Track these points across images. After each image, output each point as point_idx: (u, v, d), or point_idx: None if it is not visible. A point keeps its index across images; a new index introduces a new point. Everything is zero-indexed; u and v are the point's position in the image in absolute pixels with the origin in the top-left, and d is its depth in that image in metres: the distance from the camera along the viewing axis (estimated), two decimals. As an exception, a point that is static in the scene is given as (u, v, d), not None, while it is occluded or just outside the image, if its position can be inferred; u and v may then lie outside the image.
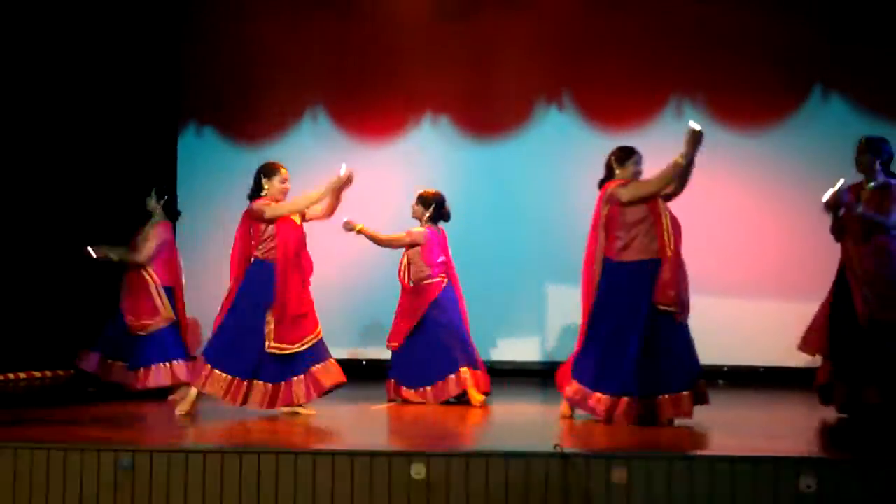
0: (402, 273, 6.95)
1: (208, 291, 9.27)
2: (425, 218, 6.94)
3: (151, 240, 7.16)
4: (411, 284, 6.88)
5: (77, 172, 8.78)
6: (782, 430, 5.45)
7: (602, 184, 5.74)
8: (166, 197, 7.35)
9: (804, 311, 6.34)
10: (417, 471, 4.12)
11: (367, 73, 9.31)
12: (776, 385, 7.96)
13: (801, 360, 6.73)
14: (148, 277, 7.15)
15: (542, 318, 8.98)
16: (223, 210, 9.16)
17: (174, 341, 7.14)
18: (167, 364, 7.04)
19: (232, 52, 9.55)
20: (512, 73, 9.03)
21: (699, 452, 4.45)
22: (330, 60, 9.35)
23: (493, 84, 9.09)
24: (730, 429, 5.30)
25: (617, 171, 5.69)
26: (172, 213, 7.41)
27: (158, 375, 6.99)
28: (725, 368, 8.45)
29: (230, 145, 9.54)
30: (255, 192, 5.98)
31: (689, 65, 8.73)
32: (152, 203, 7.31)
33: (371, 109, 9.29)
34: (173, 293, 7.26)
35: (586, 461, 4.10)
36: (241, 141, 9.49)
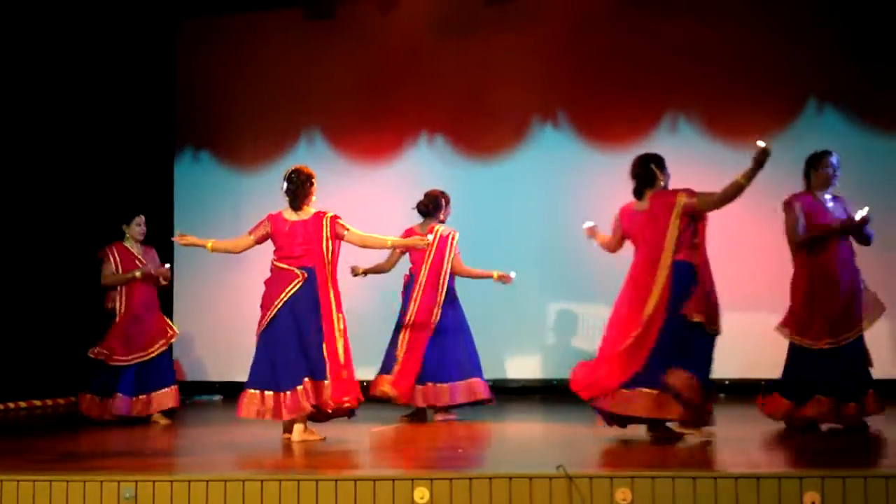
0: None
1: (206, 313, 9.38)
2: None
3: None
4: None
5: (74, 199, 8.79)
6: (786, 446, 5.44)
7: (642, 191, 5.63)
8: None
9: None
10: (421, 494, 4.11)
11: (361, 95, 9.36)
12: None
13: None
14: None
15: (541, 335, 8.97)
16: (220, 233, 9.16)
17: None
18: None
19: (227, 77, 9.61)
20: (506, 92, 9.06)
21: (702, 471, 4.42)
22: (325, 83, 9.39)
23: (488, 103, 9.12)
24: (733, 445, 5.28)
25: (660, 178, 5.60)
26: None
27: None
28: (727, 382, 8.44)
29: (226, 169, 9.59)
30: (305, 197, 5.84)
31: (684, 80, 8.76)
32: (138, 228, 7.28)
33: (366, 130, 9.33)
34: None
35: (590, 481, 4.09)
36: (237, 165, 9.54)
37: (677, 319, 5.33)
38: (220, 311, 9.35)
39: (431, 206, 6.93)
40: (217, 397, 9.18)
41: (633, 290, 5.50)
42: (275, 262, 5.80)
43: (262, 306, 5.76)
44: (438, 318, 6.81)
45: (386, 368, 6.79)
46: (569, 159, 8.98)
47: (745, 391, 8.41)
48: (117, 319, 7.06)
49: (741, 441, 5.39)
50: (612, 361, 5.41)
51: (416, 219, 7.04)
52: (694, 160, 8.68)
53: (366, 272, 6.91)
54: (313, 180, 5.87)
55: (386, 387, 6.68)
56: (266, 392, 5.62)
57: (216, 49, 9.67)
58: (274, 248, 5.85)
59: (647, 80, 8.80)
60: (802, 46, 8.54)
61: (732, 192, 5.40)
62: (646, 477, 4.09)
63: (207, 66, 9.68)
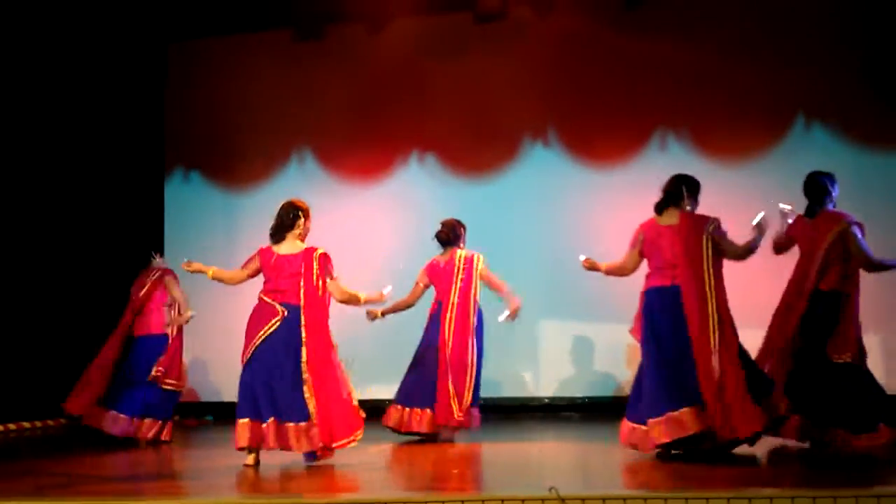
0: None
1: (196, 332, 9.34)
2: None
3: None
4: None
5: (66, 221, 8.78)
6: (777, 464, 5.43)
7: (664, 207, 5.64)
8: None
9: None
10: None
11: (352, 114, 9.37)
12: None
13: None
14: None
15: (535, 353, 8.96)
16: (211, 253, 9.18)
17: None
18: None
19: (218, 97, 9.62)
20: (497, 111, 9.09)
21: (695, 491, 4.41)
22: (316, 103, 9.41)
23: (479, 122, 9.15)
24: (726, 462, 5.27)
25: (686, 201, 5.62)
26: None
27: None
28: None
29: (217, 189, 9.60)
30: (287, 230, 5.75)
31: (673, 99, 8.79)
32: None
33: (357, 150, 9.34)
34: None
35: (582, 503, 4.07)
36: (228, 185, 9.56)
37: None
38: (213, 333, 9.31)
39: (451, 235, 7.01)
40: (208, 418, 9.15)
41: (691, 308, 5.38)
42: (261, 295, 5.73)
43: (245, 336, 5.70)
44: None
45: (423, 402, 6.74)
46: (560, 177, 8.99)
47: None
48: (172, 344, 7.21)
49: (736, 458, 5.39)
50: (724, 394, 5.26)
51: (431, 247, 7.09)
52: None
53: (384, 313, 6.90)
54: (301, 213, 5.77)
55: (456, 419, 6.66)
56: (254, 420, 5.57)
57: (206, 70, 9.69)
58: (263, 280, 5.80)
59: (637, 98, 8.83)
60: (790, 65, 8.56)
61: (749, 251, 5.54)
62: (637, 498, 4.09)
63: (198, 87, 9.69)
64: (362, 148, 9.33)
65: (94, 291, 8.39)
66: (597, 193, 8.77)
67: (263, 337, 5.61)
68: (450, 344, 6.74)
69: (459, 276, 6.88)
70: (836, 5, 8.56)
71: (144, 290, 7.23)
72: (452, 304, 6.84)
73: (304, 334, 5.61)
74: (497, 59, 9.10)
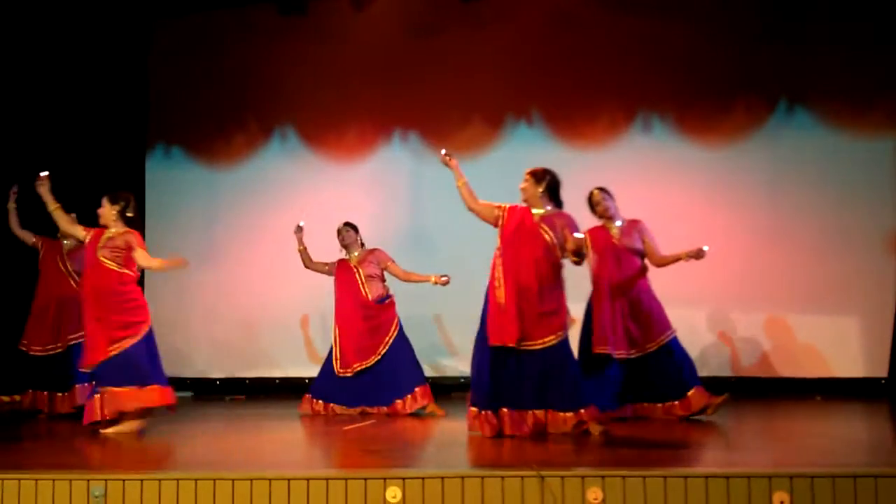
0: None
1: (172, 308, 9.27)
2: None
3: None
4: None
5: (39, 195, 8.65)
6: (756, 445, 5.47)
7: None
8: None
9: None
10: (393, 493, 4.10)
11: (335, 91, 9.32)
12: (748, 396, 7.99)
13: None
14: None
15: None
16: (191, 230, 9.18)
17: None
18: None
19: (201, 73, 9.55)
20: (480, 90, 9.06)
21: (674, 469, 4.44)
22: (298, 80, 9.36)
23: (463, 100, 9.11)
24: (704, 443, 5.31)
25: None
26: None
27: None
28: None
29: (199, 165, 9.53)
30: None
31: (657, 80, 8.76)
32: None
33: (340, 127, 9.30)
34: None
35: (562, 481, 4.09)
36: (209, 161, 9.49)
37: None
38: (195, 307, 9.25)
39: None
40: (188, 394, 9.12)
41: None
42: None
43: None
44: None
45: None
46: (543, 157, 8.81)
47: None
48: None
49: (710, 439, 5.42)
50: None
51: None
52: (666, 159, 8.75)
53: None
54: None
55: None
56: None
57: (190, 46, 9.59)
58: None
59: (621, 79, 8.81)
60: (773, 49, 8.58)
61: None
62: (616, 476, 4.11)
63: (181, 63, 9.60)
64: (345, 125, 9.29)
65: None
66: (579, 174, 8.67)
67: None
68: None
69: None
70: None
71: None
72: None
73: None
74: (481, 38, 9.07)
